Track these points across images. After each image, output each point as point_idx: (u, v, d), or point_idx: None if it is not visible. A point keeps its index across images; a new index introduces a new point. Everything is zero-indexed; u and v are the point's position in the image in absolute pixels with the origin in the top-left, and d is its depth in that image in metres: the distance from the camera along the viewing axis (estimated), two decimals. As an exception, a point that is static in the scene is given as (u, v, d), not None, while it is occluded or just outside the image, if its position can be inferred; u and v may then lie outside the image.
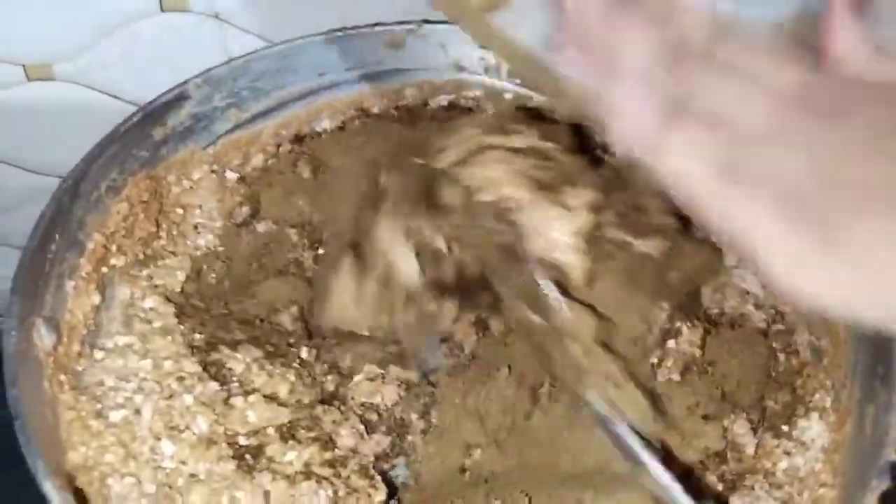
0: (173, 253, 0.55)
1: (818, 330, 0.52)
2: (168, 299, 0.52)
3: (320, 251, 0.56)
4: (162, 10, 0.65)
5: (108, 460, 0.44)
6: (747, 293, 0.56)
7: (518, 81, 0.64)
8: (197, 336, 0.50)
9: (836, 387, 0.49)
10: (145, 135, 0.55)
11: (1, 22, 0.64)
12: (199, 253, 0.56)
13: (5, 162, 0.73)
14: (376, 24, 0.63)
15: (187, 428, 0.45)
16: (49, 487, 0.37)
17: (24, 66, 0.67)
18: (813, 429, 0.48)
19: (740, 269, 0.56)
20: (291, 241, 0.58)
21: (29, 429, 0.38)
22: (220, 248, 0.57)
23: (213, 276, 0.55)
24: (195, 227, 0.57)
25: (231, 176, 0.60)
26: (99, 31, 0.65)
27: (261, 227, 0.58)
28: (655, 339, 0.51)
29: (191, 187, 0.58)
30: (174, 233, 0.56)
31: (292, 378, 0.48)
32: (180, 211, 0.57)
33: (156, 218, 0.56)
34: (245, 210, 0.59)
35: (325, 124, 0.63)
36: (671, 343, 0.51)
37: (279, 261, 0.57)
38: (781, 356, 0.53)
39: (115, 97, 0.70)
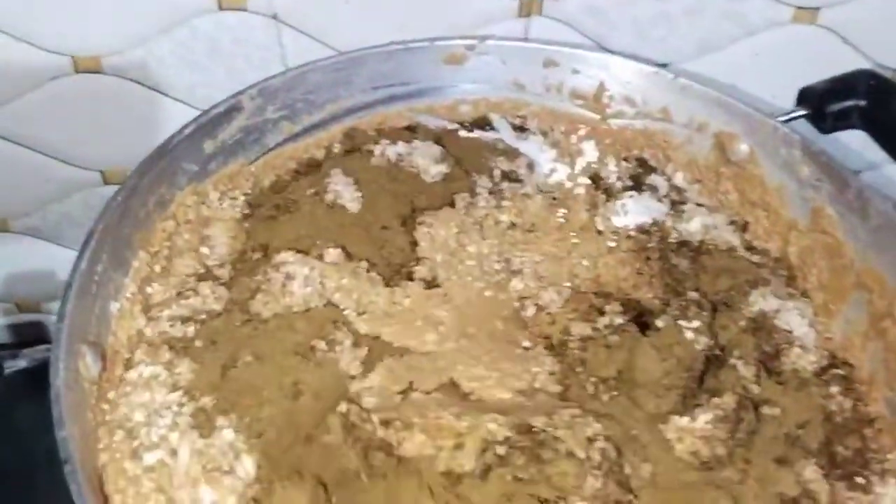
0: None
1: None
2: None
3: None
4: (220, 8, 0.63)
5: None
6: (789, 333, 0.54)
7: (579, 103, 0.62)
8: None
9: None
10: (196, 148, 0.54)
11: (51, 12, 0.63)
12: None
13: (47, 154, 0.72)
14: (436, 39, 0.60)
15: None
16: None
17: (72, 57, 0.65)
18: (889, 495, 0.46)
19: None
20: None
21: (79, 473, 0.37)
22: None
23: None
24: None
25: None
26: (153, 26, 0.64)
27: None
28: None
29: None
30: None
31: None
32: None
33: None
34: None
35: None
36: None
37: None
38: (843, 399, 0.51)
39: (164, 94, 0.68)
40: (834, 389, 0.51)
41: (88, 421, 0.43)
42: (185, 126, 0.53)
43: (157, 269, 0.52)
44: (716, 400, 0.47)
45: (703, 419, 0.47)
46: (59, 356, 0.41)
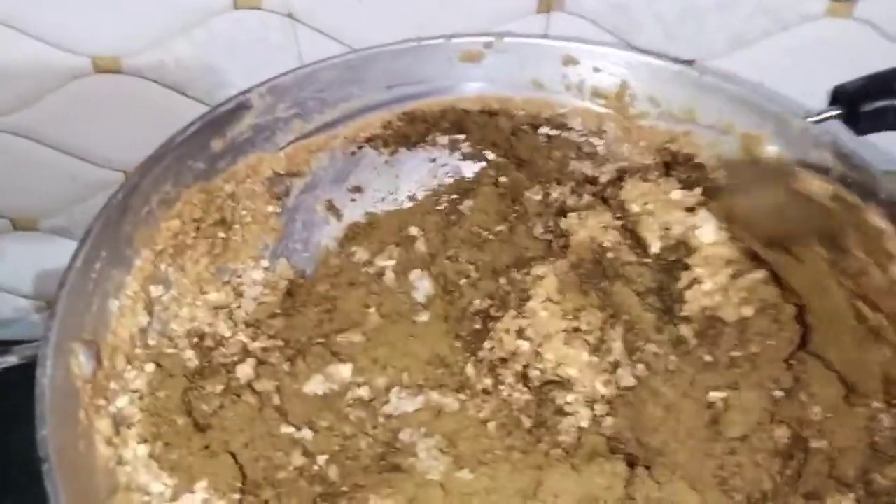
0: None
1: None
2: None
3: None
4: (235, 7, 0.63)
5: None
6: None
7: (601, 102, 0.60)
8: None
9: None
10: (202, 145, 0.53)
11: (71, 13, 0.63)
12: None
13: (72, 155, 0.72)
14: (452, 36, 0.59)
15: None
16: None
17: (92, 58, 0.66)
18: None
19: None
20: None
21: (56, 474, 0.36)
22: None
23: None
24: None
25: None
26: (170, 27, 0.64)
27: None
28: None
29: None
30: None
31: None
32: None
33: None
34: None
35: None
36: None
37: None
38: (884, 417, 0.48)
39: (183, 94, 0.68)
40: (876, 405, 0.47)
41: (80, 420, 0.42)
42: (190, 124, 0.52)
43: (163, 267, 0.51)
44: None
45: None
46: (47, 354, 0.40)
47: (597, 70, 0.60)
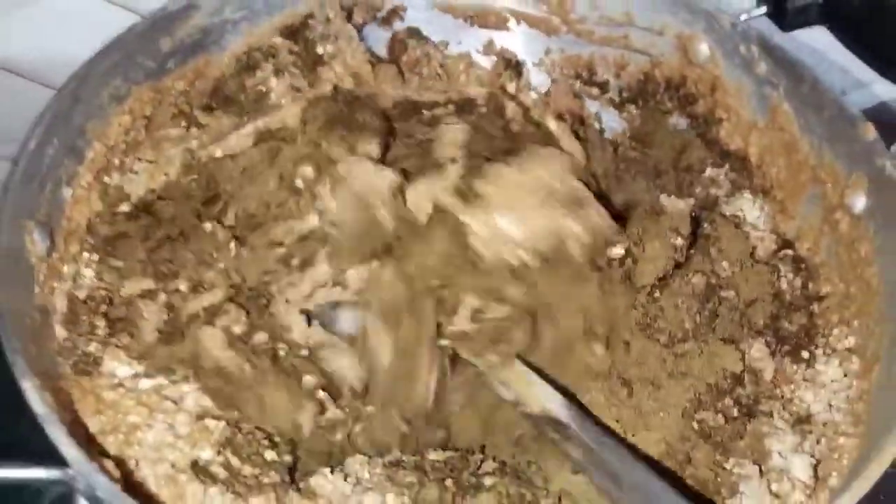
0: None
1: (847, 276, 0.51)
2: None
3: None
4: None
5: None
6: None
7: (544, 8, 0.62)
8: None
9: (862, 330, 0.48)
10: (151, 43, 0.54)
11: None
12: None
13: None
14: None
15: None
16: (28, 386, 0.37)
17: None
18: (830, 370, 0.48)
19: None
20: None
21: (9, 325, 0.38)
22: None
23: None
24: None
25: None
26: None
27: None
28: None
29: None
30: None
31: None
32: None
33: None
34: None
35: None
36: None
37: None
38: (793, 278, 0.52)
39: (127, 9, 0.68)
40: (784, 269, 0.52)
41: (36, 294, 0.44)
42: (138, 23, 0.53)
43: (116, 161, 0.53)
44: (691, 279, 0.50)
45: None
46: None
47: (536, -25, 0.61)
